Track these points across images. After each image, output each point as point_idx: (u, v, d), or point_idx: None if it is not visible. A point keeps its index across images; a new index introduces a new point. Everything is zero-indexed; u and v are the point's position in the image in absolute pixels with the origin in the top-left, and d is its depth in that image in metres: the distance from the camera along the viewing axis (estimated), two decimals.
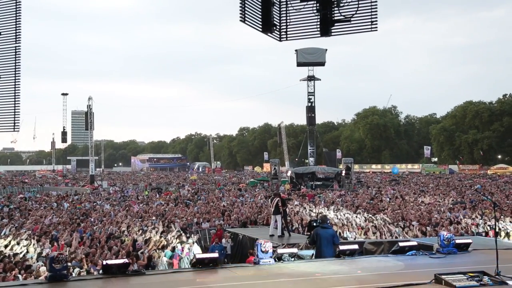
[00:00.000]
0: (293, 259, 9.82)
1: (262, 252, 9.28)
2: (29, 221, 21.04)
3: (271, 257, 9.38)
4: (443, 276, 7.19)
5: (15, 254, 13.18)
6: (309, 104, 62.86)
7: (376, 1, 7.96)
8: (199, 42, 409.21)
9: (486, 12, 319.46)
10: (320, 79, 63.77)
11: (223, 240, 17.80)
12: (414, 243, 10.77)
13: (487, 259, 7.11)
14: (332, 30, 8.30)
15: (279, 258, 9.63)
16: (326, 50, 60.34)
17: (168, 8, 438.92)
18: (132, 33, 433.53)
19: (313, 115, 63.28)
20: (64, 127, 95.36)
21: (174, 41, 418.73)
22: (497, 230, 14.75)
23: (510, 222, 18.55)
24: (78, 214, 23.72)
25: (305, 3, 8.37)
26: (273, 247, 10.35)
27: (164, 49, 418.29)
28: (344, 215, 22.16)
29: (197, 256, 9.45)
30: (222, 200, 31.34)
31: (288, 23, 8.68)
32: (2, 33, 10.32)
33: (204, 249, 16.72)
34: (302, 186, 45.85)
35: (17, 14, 10.20)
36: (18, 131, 10.61)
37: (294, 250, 10.56)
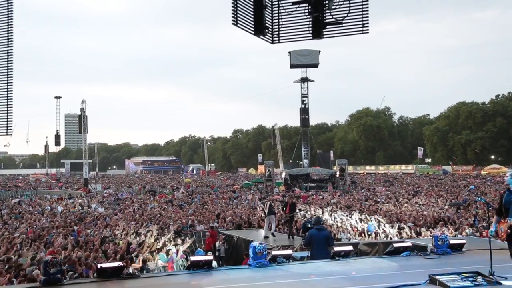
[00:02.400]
0: (287, 260, 9.82)
1: (257, 254, 9.28)
2: (23, 225, 20.94)
3: (265, 259, 9.38)
4: (437, 277, 7.22)
5: (9, 258, 13.10)
6: (303, 106, 62.97)
7: (367, 4, 8.02)
8: (193, 44, 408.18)
9: (479, 13, 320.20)
10: (313, 81, 64.01)
11: (217, 243, 17.78)
12: (409, 244, 10.81)
13: (481, 260, 7.16)
14: (324, 33, 8.33)
15: (273, 260, 9.63)
16: (319, 51, 60.49)
17: (162, 12, 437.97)
18: (126, 36, 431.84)
19: (306, 116, 63.39)
20: (57, 130, 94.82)
21: (167, 44, 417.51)
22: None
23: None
24: (72, 218, 23.63)
25: (297, 5, 8.41)
26: (268, 249, 10.36)
27: (157, 52, 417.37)
28: (338, 216, 22.19)
29: (192, 258, 9.44)
30: (217, 202, 31.31)
31: (280, 26, 8.72)
32: None
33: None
34: (296, 188, 45.92)
35: (9, 17, 10.19)
36: (11, 134, 10.60)
37: (289, 251, 10.57)
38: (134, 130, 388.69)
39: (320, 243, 10.76)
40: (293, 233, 16.89)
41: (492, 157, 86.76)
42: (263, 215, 19.67)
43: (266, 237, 16.12)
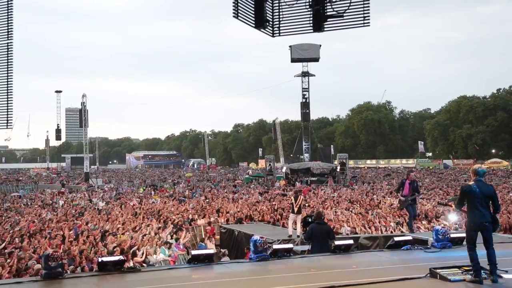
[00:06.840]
0: (288, 254, 9.83)
1: (258, 248, 9.28)
2: (24, 218, 20.97)
3: (266, 252, 9.38)
4: (438, 270, 7.23)
5: (11, 252, 13.12)
6: (304, 100, 62.75)
7: None
8: (194, 38, 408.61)
9: (483, 7, 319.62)
10: (314, 75, 63.69)
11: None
12: (409, 237, 10.83)
13: (482, 253, 7.16)
14: (325, 26, 8.30)
15: (274, 253, 9.64)
16: (320, 46, 60.25)
17: (163, 5, 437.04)
18: (127, 30, 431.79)
19: (307, 111, 63.17)
20: (58, 124, 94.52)
21: (168, 38, 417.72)
22: None
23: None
24: (73, 212, 23.65)
25: None
26: (269, 243, 10.36)
27: (158, 46, 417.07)
28: (339, 210, 22.17)
29: (193, 252, 9.45)
30: (218, 197, 31.32)
31: (281, 19, 8.68)
32: None
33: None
34: (297, 182, 45.89)
35: (9, 10, 10.14)
36: (11, 128, 10.59)
37: (290, 245, 10.57)
38: (135, 124, 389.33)
39: (321, 237, 10.77)
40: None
41: (493, 151, 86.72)
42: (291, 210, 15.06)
43: (290, 236, 14.12)
